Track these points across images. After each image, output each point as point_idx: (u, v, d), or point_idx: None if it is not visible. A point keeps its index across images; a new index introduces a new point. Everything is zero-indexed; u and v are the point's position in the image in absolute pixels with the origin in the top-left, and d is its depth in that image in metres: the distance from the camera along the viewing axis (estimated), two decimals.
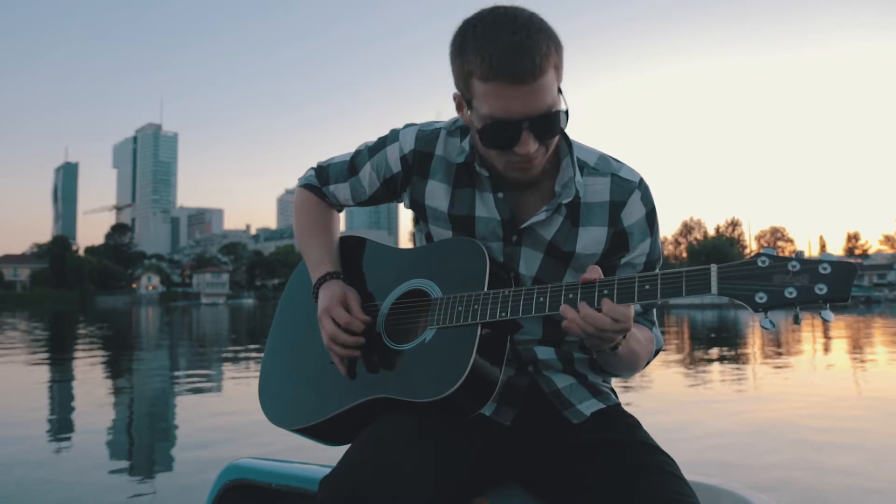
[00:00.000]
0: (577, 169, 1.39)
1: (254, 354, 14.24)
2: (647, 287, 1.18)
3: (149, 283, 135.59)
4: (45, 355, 15.44)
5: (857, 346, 16.01)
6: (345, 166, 1.60)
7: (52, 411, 7.76)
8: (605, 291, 1.21)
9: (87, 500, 4.22)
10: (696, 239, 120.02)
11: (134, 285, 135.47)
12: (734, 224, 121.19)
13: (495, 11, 1.25)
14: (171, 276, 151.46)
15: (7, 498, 4.18)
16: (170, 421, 7.29)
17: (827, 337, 18.79)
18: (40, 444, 5.80)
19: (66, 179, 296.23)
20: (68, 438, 6.20)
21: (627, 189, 1.41)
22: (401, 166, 1.50)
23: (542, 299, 1.26)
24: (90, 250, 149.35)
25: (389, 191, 1.55)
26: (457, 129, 1.47)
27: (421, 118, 1.57)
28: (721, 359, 13.20)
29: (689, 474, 1.32)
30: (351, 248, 1.62)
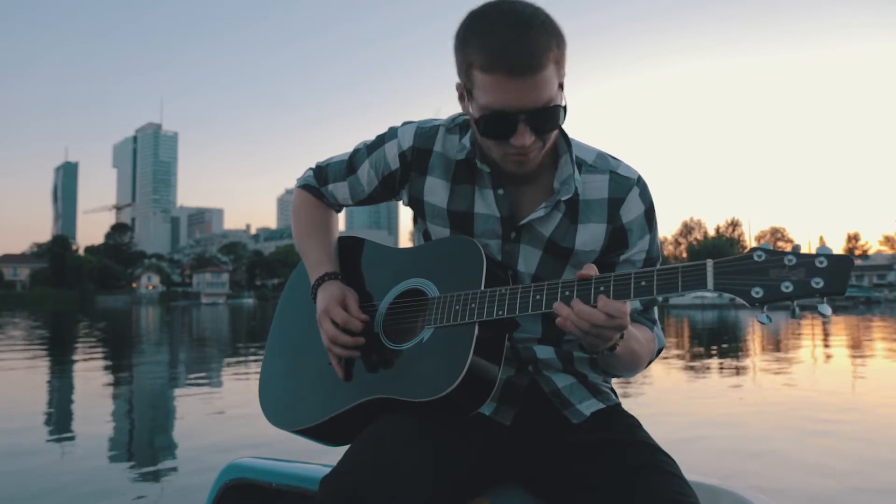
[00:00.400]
0: (575, 166, 1.39)
1: (254, 354, 14.25)
2: (643, 283, 1.17)
3: (149, 283, 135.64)
4: (46, 355, 15.44)
5: (856, 347, 16.01)
6: (343, 165, 1.59)
7: (51, 411, 7.76)
8: (602, 288, 1.20)
9: (86, 500, 4.21)
10: (696, 239, 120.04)
11: (134, 285, 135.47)
12: (734, 224, 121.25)
13: (500, 5, 1.25)
14: (171, 276, 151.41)
15: (7, 498, 4.18)
16: (170, 420, 7.29)
17: (826, 337, 18.79)
18: (40, 444, 5.80)
19: (66, 179, 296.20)
20: (69, 438, 6.19)
21: (626, 186, 1.41)
22: (399, 163, 1.50)
23: (538, 297, 1.26)
24: (90, 250, 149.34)
25: (388, 188, 1.55)
26: (455, 127, 1.48)
27: (420, 118, 1.56)
28: (721, 359, 13.20)
29: (689, 474, 1.32)
30: (349, 249, 1.62)
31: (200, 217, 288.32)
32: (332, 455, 1.32)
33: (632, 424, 1.42)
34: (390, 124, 1.56)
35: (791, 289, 1.07)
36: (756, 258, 1.10)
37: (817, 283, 1.05)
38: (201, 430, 6.39)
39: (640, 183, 1.43)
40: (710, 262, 1.13)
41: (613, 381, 1.55)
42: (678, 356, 13.39)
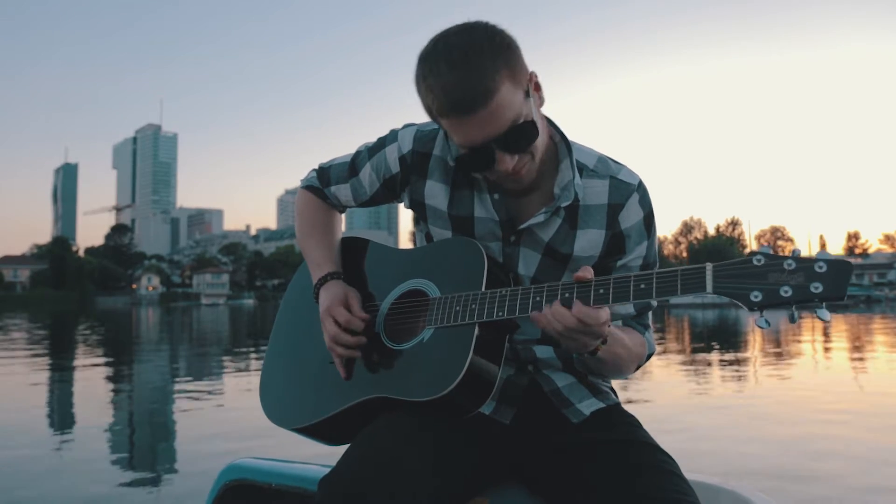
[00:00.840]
0: (576, 171, 1.39)
1: (254, 354, 14.25)
2: (642, 286, 1.18)
3: (149, 284, 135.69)
4: (46, 356, 15.43)
5: (857, 346, 16.01)
6: (345, 167, 1.61)
7: (51, 412, 7.76)
8: (602, 290, 1.21)
9: (86, 500, 4.21)
10: (696, 238, 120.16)
11: (134, 286, 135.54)
12: (734, 223, 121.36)
13: (437, 44, 1.25)
14: (171, 277, 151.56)
15: (6, 498, 4.18)
16: (170, 421, 7.29)
17: (826, 336, 18.79)
18: (40, 444, 5.80)
19: (66, 180, 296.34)
20: (69, 439, 6.19)
21: (626, 192, 1.41)
22: (399, 166, 1.50)
23: (538, 298, 1.26)
24: (90, 251, 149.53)
25: (389, 191, 1.55)
26: None
27: (420, 118, 1.55)
28: (721, 359, 13.20)
29: (689, 474, 1.31)
30: (351, 249, 1.63)
31: (200, 218, 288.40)
32: (331, 455, 1.32)
33: (632, 424, 1.43)
34: (391, 125, 1.57)
35: (790, 293, 1.07)
36: (755, 262, 1.10)
37: (816, 287, 1.05)
38: (201, 430, 6.39)
39: (641, 189, 1.42)
40: (709, 266, 1.13)
41: (613, 380, 1.55)
42: (678, 356, 13.39)
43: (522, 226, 1.40)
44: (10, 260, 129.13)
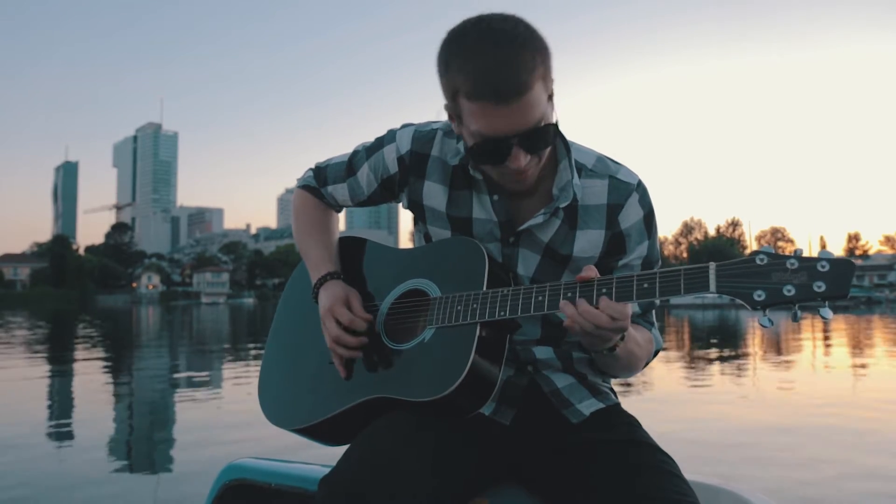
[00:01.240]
0: (574, 171, 1.38)
1: (254, 354, 14.25)
2: (645, 285, 1.18)
3: (149, 283, 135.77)
4: (46, 354, 15.44)
5: (857, 347, 16.01)
6: (343, 167, 1.60)
7: (51, 411, 7.76)
8: (604, 290, 1.20)
9: (86, 500, 4.21)
10: (696, 239, 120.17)
11: (134, 284, 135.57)
12: (735, 224, 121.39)
13: (478, 25, 1.22)
14: (172, 276, 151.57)
15: (6, 498, 4.18)
16: (170, 420, 7.30)
17: (827, 337, 18.79)
18: (39, 444, 5.81)
19: (67, 178, 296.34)
20: (68, 438, 6.20)
21: (625, 191, 1.40)
22: (398, 167, 1.49)
23: (540, 298, 1.26)
24: (90, 249, 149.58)
25: (387, 191, 1.55)
26: (453, 130, 1.46)
27: (421, 118, 1.55)
28: (721, 359, 13.20)
29: (689, 474, 1.31)
30: (350, 249, 1.62)
31: (200, 217, 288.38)
32: (331, 455, 1.32)
33: (631, 424, 1.42)
34: (391, 125, 1.54)
35: (793, 292, 1.07)
36: (758, 261, 1.10)
37: (819, 286, 1.05)
38: (201, 430, 6.39)
39: (640, 188, 1.42)
40: (712, 265, 1.13)
41: (613, 381, 1.55)
42: (679, 355, 13.39)
43: (521, 227, 1.39)
44: (10, 258, 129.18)
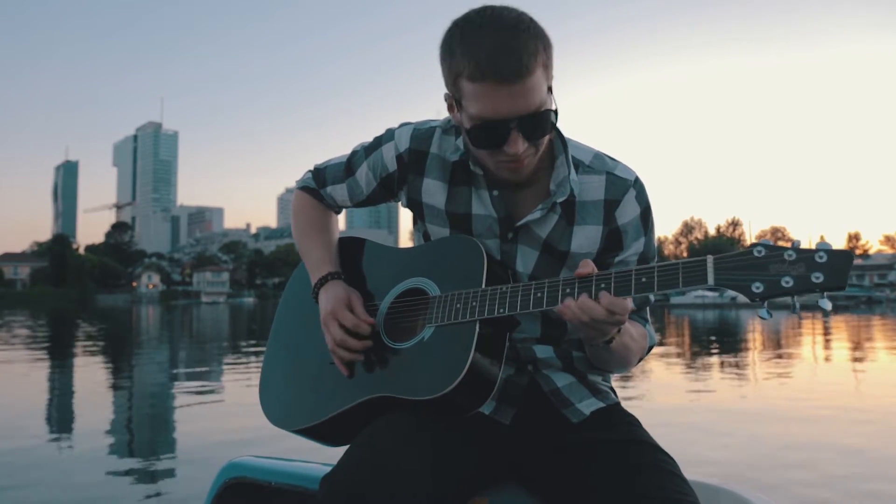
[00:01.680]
0: (571, 167, 1.39)
1: (254, 353, 14.25)
2: (643, 280, 1.18)
3: (149, 282, 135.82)
4: (46, 353, 15.44)
5: (857, 347, 16.00)
6: (341, 167, 1.60)
7: (51, 410, 7.76)
8: (603, 285, 1.20)
9: (85, 499, 4.21)
10: (696, 238, 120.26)
11: (134, 284, 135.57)
12: (735, 224, 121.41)
13: (483, 12, 1.25)
14: (172, 275, 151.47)
15: (5, 498, 4.18)
16: (170, 419, 7.30)
17: (827, 337, 18.78)
18: (39, 443, 5.80)
19: (67, 178, 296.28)
20: (68, 437, 6.20)
21: (622, 187, 1.41)
22: (396, 165, 1.50)
23: (539, 294, 1.26)
24: (90, 249, 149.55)
25: (386, 190, 1.55)
26: (452, 128, 1.47)
27: (420, 118, 1.57)
28: (721, 358, 13.19)
29: (689, 474, 1.31)
30: (349, 249, 1.62)
31: (201, 216, 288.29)
32: (331, 454, 1.32)
33: (631, 423, 1.42)
34: (390, 124, 1.57)
35: (791, 284, 1.07)
36: (756, 254, 1.10)
37: (817, 277, 1.05)
38: (201, 428, 6.39)
39: (637, 184, 1.42)
40: (710, 258, 1.13)
41: (613, 380, 1.55)
42: (679, 355, 13.39)
43: (520, 222, 1.40)
44: (10, 257, 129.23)
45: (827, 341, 17.40)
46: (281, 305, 1.70)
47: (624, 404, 1.51)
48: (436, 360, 1.30)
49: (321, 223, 1.64)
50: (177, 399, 8.52)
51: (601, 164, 1.43)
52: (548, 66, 1.25)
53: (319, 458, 1.70)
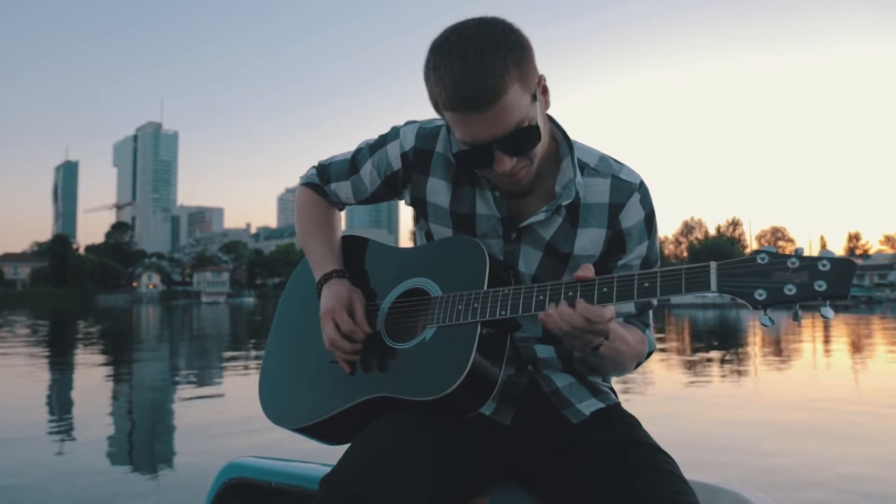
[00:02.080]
0: (577, 170, 1.39)
1: (254, 353, 14.25)
2: (646, 284, 1.18)
3: (149, 282, 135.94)
4: (45, 353, 15.44)
5: (857, 347, 16.00)
6: (346, 164, 1.59)
7: (51, 410, 7.75)
8: (605, 289, 1.20)
9: (85, 499, 4.21)
10: (696, 238, 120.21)
11: (134, 284, 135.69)
12: (735, 224, 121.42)
13: (451, 36, 1.24)
14: (172, 275, 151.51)
15: (6, 497, 4.18)
16: (170, 419, 7.29)
17: (827, 336, 18.78)
18: (39, 443, 5.80)
19: (67, 178, 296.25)
20: (69, 437, 6.19)
21: (627, 191, 1.41)
22: (401, 163, 1.50)
23: (541, 297, 1.26)
24: (90, 249, 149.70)
25: (391, 188, 1.55)
26: None
27: (421, 118, 1.56)
28: (721, 358, 13.19)
29: (689, 474, 1.31)
30: (352, 248, 1.62)
31: (201, 216, 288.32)
32: (331, 455, 1.32)
33: (632, 424, 1.42)
34: (391, 124, 1.57)
35: (794, 291, 1.07)
36: (759, 261, 1.10)
37: (820, 285, 1.05)
38: (201, 428, 6.39)
39: (642, 188, 1.42)
40: (713, 264, 1.13)
41: (613, 380, 1.54)
42: (679, 355, 13.38)
43: (523, 224, 1.40)
44: (10, 257, 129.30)
45: (827, 341, 17.39)
46: (281, 304, 1.70)
47: (624, 405, 1.51)
48: (437, 360, 1.30)
49: (325, 220, 1.64)
50: (177, 399, 8.52)
51: (606, 167, 1.42)
52: (525, 78, 1.23)
53: (320, 458, 1.70)
